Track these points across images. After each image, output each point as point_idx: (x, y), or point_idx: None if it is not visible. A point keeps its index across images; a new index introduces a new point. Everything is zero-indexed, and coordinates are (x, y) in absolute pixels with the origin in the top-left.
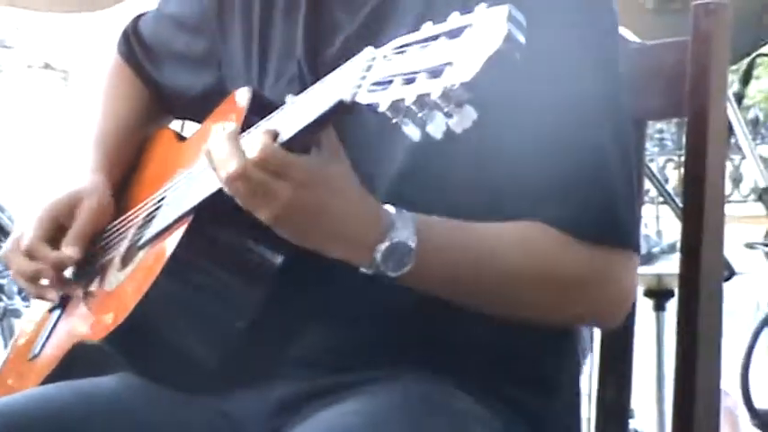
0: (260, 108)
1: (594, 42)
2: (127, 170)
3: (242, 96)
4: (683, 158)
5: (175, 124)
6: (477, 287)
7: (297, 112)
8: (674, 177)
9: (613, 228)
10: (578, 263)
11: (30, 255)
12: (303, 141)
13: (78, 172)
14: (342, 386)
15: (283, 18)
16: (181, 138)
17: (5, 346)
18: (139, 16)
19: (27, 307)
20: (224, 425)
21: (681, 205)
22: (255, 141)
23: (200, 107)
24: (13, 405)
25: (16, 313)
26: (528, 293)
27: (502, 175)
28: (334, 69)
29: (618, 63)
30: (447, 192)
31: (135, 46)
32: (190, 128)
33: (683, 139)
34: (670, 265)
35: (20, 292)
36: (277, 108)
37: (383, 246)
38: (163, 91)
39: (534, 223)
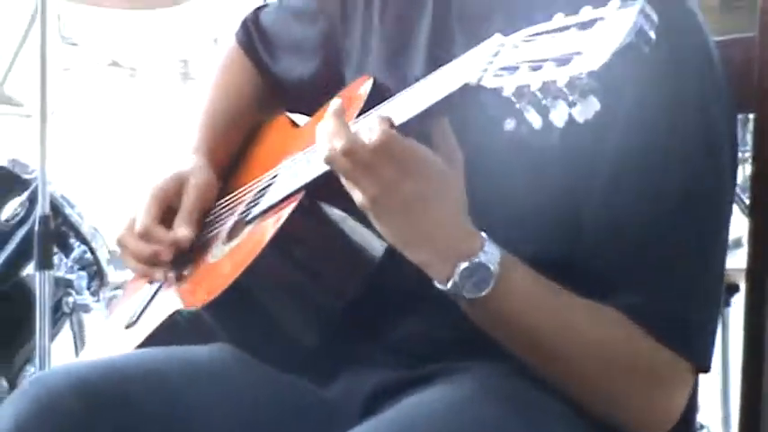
0: (380, 97)
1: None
2: (235, 152)
3: (363, 86)
4: (747, 155)
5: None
6: (543, 342)
7: (418, 96)
8: (739, 175)
9: (691, 338)
10: (650, 358)
11: (145, 237)
12: (421, 126)
13: (184, 153)
14: (435, 374)
15: (403, 21)
16: (296, 125)
17: (75, 338)
18: (260, 7)
19: (96, 302)
20: (316, 404)
21: (747, 201)
22: (371, 124)
23: (313, 96)
24: (112, 364)
25: (86, 308)
26: (589, 370)
27: (592, 242)
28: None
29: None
30: (527, 231)
31: (254, 35)
32: (302, 119)
33: (748, 136)
34: (736, 261)
35: (89, 287)
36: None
37: (466, 263)
38: (277, 80)
39: (614, 310)
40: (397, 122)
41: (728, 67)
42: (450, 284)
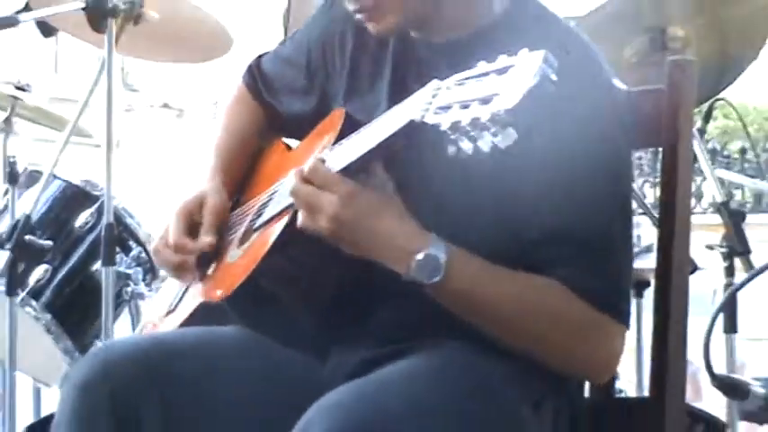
0: (351, 126)
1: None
2: (243, 172)
3: (337, 117)
4: (657, 179)
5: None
6: (497, 313)
7: (371, 133)
8: (650, 194)
9: (616, 303)
10: (585, 316)
11: (176, 247)
12: (377, 156)
13: (203, 175)
14: (407, 350)
15: (372, 78)
16: (289, 148)
17: (133, 322)
18: (262, 55)
19: (149, 291)
20: (313, 374)
21: (656, 216)
22: (308, 162)
23: (306, 126)
24: (160, 338)
25: (141, 296)
26: (539, 329)
27: (522, 225)
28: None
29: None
30: (476, 230)
31: (257, 78)
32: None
33: (658, 165)
34: (647, 262)
35: (143, 279)
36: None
37: (419, 256)
38: (278, 115)
39: (551, 279)
40: (354, 157)
41: (643, 111)
42: (410, 276)
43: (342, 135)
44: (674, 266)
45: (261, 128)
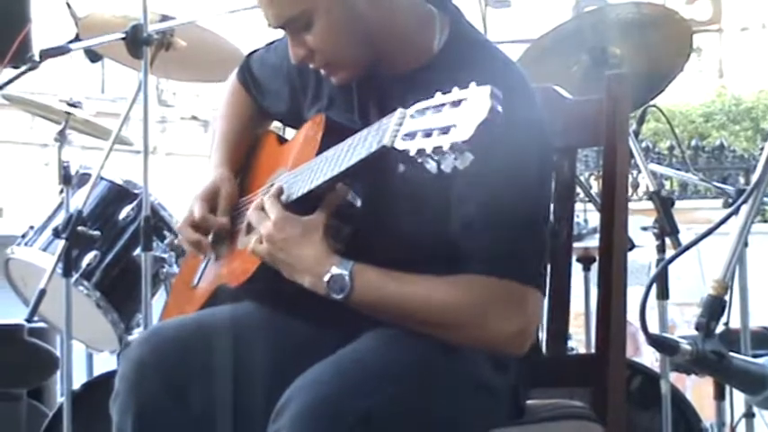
0: (332, 128)
1: (535, 171)
2: (243, 161)
3: (320, 120)
4: (600, 173)
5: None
6: (405, 310)
7: (338, 157)
8: (594, 185)
9: (518, 267)
10: (491, 289)
11: (202, 222)
12: (353, 178)
13: (212, 167)
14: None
15: (340, 98)
16: (281, 140)
17: (167, 296)
18: (252, 53)
19: None
20: (315, 341)
21: (600, 202)
22: (269, 203)
23: (287, 120)
24: (197, 321)
25: (174, 276)
26: (447, 317)
27: (457, 238)
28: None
29: (544, 186)
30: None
31: (247, 75)
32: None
33: (601, 160)
34: (593, 242)
35: (176, 261)
36: (345, 127)
37: (326, 277)
38: (265, 110)
39: (466, 279)
40: (329, 176)
41: (587, 117)
42: (325, 292)
43: (324, 141)
44: (615, 245)
45: (254, 117)
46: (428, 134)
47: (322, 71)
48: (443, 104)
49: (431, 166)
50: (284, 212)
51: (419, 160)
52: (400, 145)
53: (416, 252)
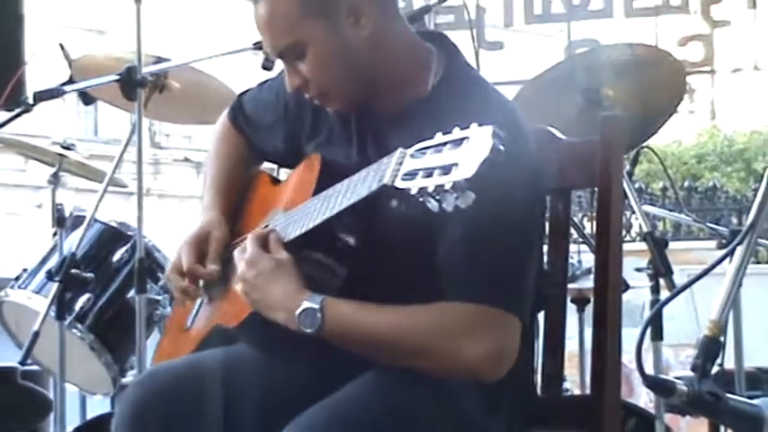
0: (328, 169)
1: (516, 227)
2: (236, 202)
3: (315, 161)
4: (594, 214)
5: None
6: (378, 340)
7: (337, 196)
8: (588, 226)
9: (492, 294)
10: (465, 314)
11: (189, 273)
12: (353, 214)
13: (203, 209)
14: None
15: (340, 135)
16: (275, 181)
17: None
18: (244, 92)
19: None
20: (307, 380)
21: (594, 243)
22: (250, 243)
23: (281, 160)
24: (192, 364)
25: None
26: (421, 343)
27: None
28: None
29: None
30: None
31: (239, 115)
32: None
33: (594, 201)
34: (587, 283)
35: (170, 303)
36: (341, 167)
37: (298, 311)
38: (258, 148)
39: (443, 306)
40: (328, 215)
41: (581, 158)
42: (297, 326)
43: (320, 182)
44: (609, 286)
45: (245, 157)
46: (429, 174)
47: (316, 101)
48: (445, 144)
49: (432, 204)
50: (258, 251)
51: (420, 199)
52: (401, 184)
53: (409, 283)
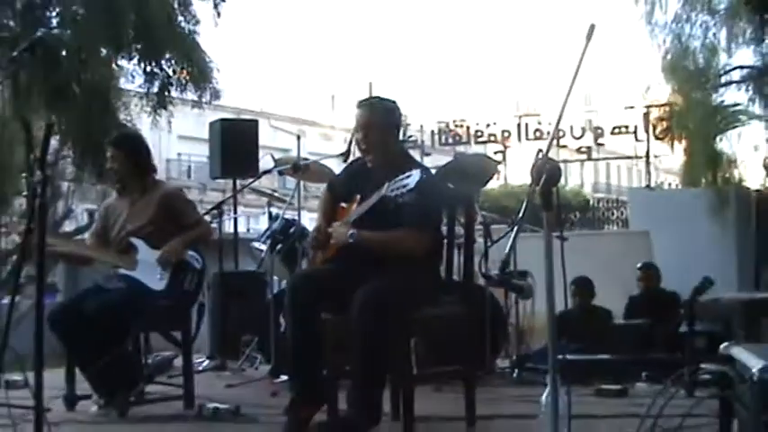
0: (361, 199)
1: (436, 205)
2: (332, 218)
3: (357, 198)
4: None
5: None
6: (383, 244)
7: (367, 203)
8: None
9: (425, 227)
10: (410, 234)
11: (320, 233)
12: (367, 212)
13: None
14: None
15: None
16: (344, 208)
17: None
18: (334, 176)
19: None
20: (367, 273)
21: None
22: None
23: (348, 199)
24: (318, 270)
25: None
26: (400, 245)
27: (403, 218)
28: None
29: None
30: (389, 224)
31: (331, 185)
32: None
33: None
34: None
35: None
36: (365, 197)
37: (348, 234)
38: (338, 197)
39: (404, 229)
40: (354, 216)
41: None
42: (351, 241)
43: (359, 203)
44: (472, 233)
45: (333, 203)
46: (398, 189)
47: (365, 154)
48: (405, 176)
49: (400, 200)
50: (338, 225)
51: (396, 198)
52: (389, 194)
53: (393, 226)
